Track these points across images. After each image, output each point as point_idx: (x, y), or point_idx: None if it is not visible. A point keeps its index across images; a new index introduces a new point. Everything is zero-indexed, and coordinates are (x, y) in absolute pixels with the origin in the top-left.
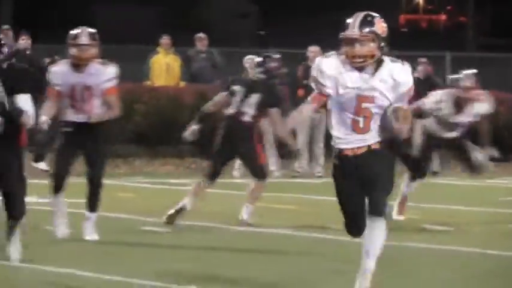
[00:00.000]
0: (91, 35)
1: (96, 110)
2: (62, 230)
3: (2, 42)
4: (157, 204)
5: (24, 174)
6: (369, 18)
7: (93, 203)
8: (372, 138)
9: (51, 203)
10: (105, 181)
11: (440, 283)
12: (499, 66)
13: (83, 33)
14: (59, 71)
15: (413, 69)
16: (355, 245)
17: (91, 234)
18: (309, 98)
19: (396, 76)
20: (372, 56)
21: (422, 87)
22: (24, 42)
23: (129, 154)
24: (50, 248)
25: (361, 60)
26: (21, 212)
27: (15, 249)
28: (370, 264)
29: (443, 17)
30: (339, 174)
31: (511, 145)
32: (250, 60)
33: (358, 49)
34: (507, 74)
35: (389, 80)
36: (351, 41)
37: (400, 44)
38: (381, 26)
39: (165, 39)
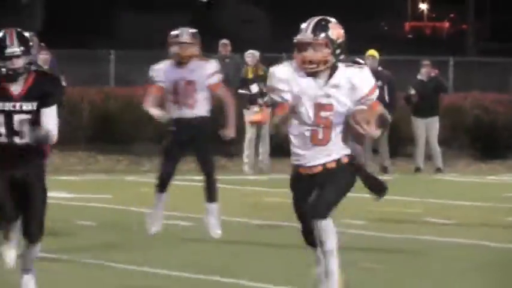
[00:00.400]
0: (192, 34)
1: (199, 105)
2: (155, 226)
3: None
4: (180, 199)
5: (46, 191)
6: (324, 23)
7: (211, 194)
8: (335, 151)
9: (154, 199)
10: (130, 178)
11: (445, 273)
12: (498, 70)
13: (184, 32)
14: (162, 68)
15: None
16: (382, 240)
17: (214, 230)
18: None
19: (353, 80)
20: (325, 62)
21: (425, 88)
22: (44, 57)
23: (152, 152)
24: (77, 240)
25: (314, 66)
26: (38, 235)
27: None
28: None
29: (446, 24)
30: (298, 188)
31: (510, 144)
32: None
33: (311, 54)
34: (505, 76)
35: (345, 85)
36: (304, 46)
37: (405, 49)
38: (336, 32)
39: None
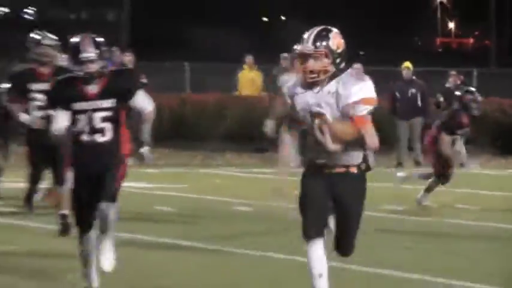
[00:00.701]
0: None
1: None
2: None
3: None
4: (245, 189)
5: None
6: (324, 33)
7: None
8: (346, 158)
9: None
10: (204, 170)
11: (475, 251)
12: None
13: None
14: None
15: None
16: (419, 223)
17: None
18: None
19: (341, 87)
20: (325, 72)
21: (452, 95)
22: (128, 58)
23: (223, 149)
24: (157, 223)
25: (314, 75)
26: (109, 228)
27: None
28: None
29: (471, 40)
30: (309, 180)
31: None
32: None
33: (312, 64)
34: None
35: (335, 91)
36: (305, 56)
37: (436, 62)
38: (336, 41)
39: (249, 59)
